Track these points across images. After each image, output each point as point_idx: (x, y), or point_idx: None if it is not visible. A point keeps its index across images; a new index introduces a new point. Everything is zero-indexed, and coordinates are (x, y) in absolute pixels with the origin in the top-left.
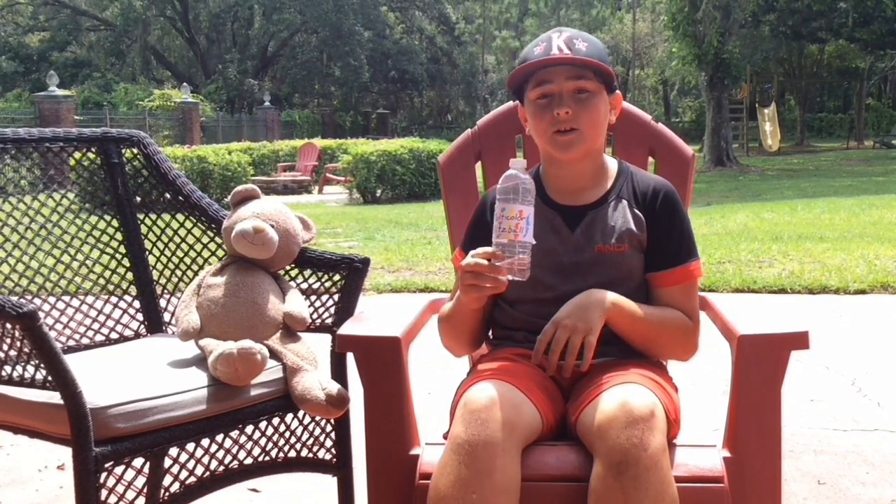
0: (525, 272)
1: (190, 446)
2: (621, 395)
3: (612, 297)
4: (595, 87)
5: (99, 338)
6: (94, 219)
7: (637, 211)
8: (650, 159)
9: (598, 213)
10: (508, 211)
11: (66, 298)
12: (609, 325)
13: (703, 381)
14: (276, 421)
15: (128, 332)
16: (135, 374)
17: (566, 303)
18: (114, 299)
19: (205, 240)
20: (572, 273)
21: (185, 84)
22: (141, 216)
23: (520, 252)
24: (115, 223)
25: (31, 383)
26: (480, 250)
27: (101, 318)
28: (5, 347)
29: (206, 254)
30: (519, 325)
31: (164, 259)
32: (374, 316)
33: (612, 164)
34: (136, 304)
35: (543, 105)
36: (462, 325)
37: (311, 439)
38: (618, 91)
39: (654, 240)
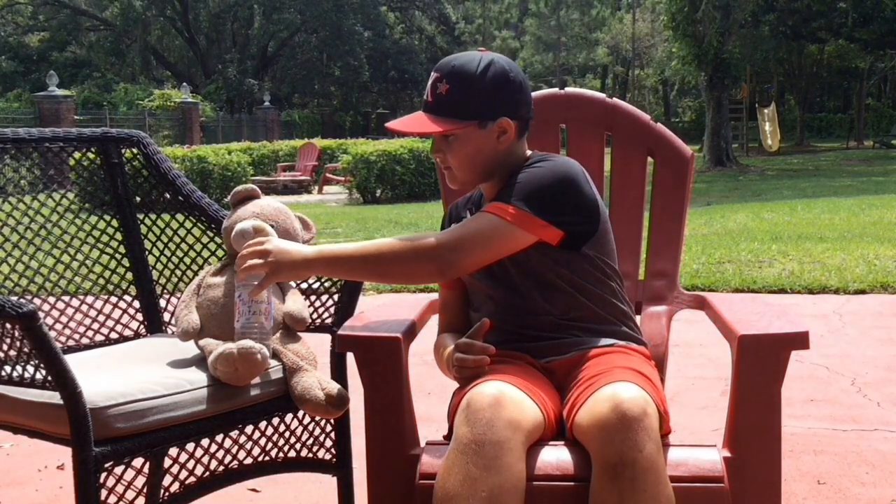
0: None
1: (190, 446)
2: (612, 396)
3: (313, 254)
4: (457, 128)
5: (99, 338)
6: (93, 219)
7: None
8: (649, 159)
9: None
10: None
11: (66, 298)
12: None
13: (703, 381)
14: (275, 421)
15: (128, 332)
16: (135, 374)
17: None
18: (114, 299)
19: (205, 240)
20: (510, 269)
21: (184, 84)
22: (141, 216)
23: (268, 334)
24: (114, 223)
25: (31, 383)
26: (472, 357)
27: (101, 318)
28: (5, 347)
29: (205, 254)
30: (494, 328)
31: (163, 259)
32: (374, 316)
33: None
34: (136, 304)
35: None
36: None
37: (311, 439)
38: (502, 118)
39: None
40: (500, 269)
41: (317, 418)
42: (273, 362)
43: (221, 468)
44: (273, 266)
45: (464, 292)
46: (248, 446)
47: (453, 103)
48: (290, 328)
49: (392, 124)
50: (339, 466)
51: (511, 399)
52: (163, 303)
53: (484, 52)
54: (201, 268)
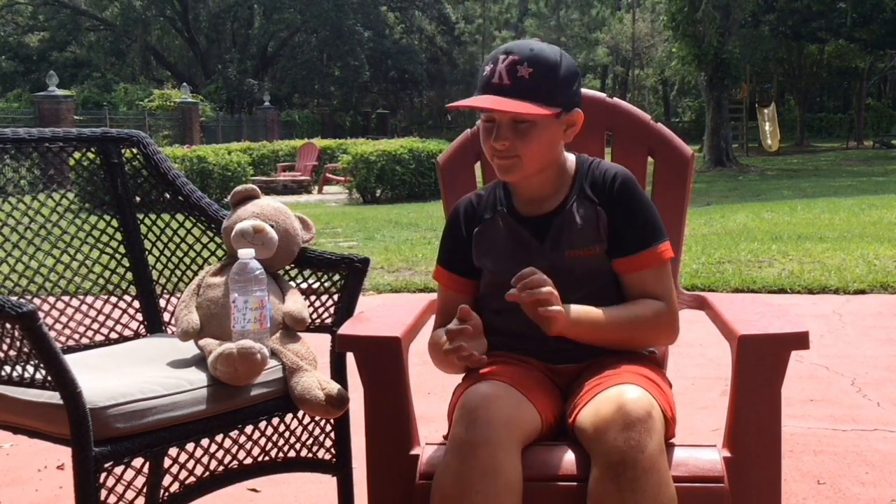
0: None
1: (190, 446)
2: (617, 397)
3: (580, 316)
4: (549, 113)
5: (99, 338)
6: (93, 219)
7: (599, 207)
8: (650, 159)
9: (562, 219)
10: (252, 303)
11: (66, 298)
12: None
13: (703, 381)
14: (275, 421)
15: (128, 332)
16: (135, 374)
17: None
18: (113, 299)
19: (204, 240)
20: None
21: (184, 84)
22: (141, 216)
23: (265, 338)
24: (114, 223)
25: (31, 383)
26: (456, 327)
27: (101, 318)
28: (5, 347)
29: (205, 254)
30: (501, 331)
31: (163, 259)
32: (374, 316)
33: (571, 164)
34: (136, 304)
35: (488, 129)
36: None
37: (311, 439)
38: (576, 110)
39: (617, 227)
40: (552, 278)
41: (317, 418)
42: (273, 362)
43: (221, 468)
44: (560, 317)
45: (474, 297)
46: (248, 446)
47: (538, 88)
48: (290, 328)
49: (474, 101)
50: (339, 466)
51: (507, 399)
52: (163, 303)
53: (542, 42)
54: (201, 268)
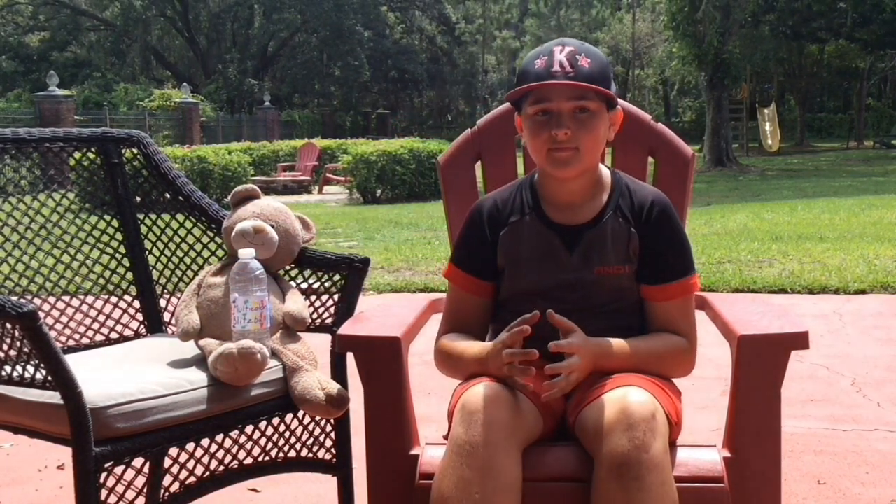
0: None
1: (190, 446)
2: (622, 398)
3: (605, 349)
4: (596, 106)
5: (99, 338)
6: (94, 219)
7: (633, 229)
8: (650, 159)
9: (595, 234)
10: (252, 303)
11: (66, 298)
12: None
13: (703, 381)
14: (275, 421)
15: (128, 332)
16: (135, 374)
17: (586, 348)
18: (114, 299)
19: (205, 240)
20: (572, 291)
21: (185, 84)
22: (141, 216)
23: (265, 338)
24: (115, 223)
25: (31, 383)
26: (520, 352)
27: (101, 318)
28: (5, 347)
29: (206, 254)
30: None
31: (164, 259)
32: (374, 316)
33: (606, 176)
34: (136, 304)
35: (541, 122)
36: (468, 373)
37: (311, 439)
38: (619, 108)
39: (650, 254)
40: (578, 290)
41: (317, 418)
42: (273, 362)
43: (221, 468)
44: (589, 368)
45: (488, 299)
46: (248, 446)
47: (599, 77)
48: (291, 328)
49: (551, 83)
50: (339, 466)
51: (507, 400)
52: (163, 303)
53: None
54: (201, 268)
